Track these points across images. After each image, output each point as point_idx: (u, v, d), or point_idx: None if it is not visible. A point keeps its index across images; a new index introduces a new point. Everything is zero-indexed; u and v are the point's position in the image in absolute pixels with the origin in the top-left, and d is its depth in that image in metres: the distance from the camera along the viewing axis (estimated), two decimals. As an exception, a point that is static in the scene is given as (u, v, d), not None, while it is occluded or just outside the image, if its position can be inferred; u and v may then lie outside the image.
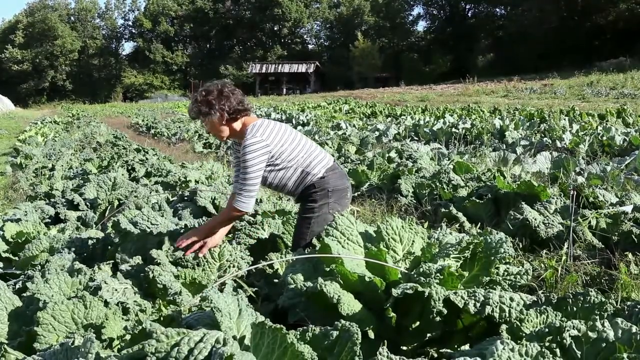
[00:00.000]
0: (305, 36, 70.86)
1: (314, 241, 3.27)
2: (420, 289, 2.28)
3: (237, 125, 3.23)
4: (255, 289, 2.83)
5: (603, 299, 2.11)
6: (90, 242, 3.55)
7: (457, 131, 12.39)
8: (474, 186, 5.51)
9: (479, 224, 4.66)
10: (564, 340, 1.80)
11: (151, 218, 3.73)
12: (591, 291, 2.15)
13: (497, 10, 56.68)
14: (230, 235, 3.86)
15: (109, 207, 5.17)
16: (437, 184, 5.70)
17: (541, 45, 43.12)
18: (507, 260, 2.61)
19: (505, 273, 2.49)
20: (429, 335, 2.44)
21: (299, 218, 3.37)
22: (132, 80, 66.19)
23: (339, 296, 2.31)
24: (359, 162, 8.17)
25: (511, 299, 2.25)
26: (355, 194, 6.46)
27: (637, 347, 1.73)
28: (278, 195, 5.64)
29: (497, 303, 2.23)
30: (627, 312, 2.11)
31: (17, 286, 2.86)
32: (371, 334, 2.33)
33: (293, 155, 3.21)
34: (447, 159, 8.36)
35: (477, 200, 4.90)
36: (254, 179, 3.10)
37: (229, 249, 2.94)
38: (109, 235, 3.64)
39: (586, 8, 42.71)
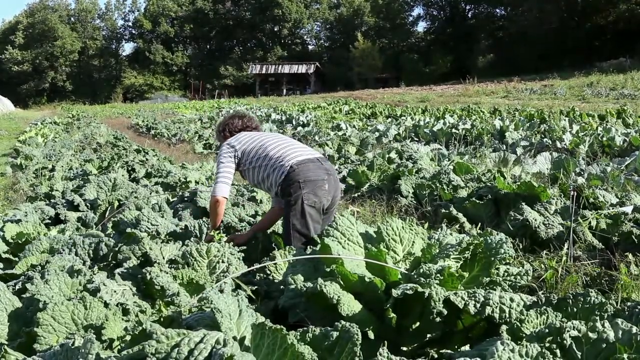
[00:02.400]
0: (305, 37, 70.92)
1: (316, 239, 3.29)
2: (420, 289, 2.28)
3: None
4: (255, 287, 2.83)
5: (603, 300, 2.11)
6: (90, 243, 3.54)
7: (457, 132, 12.37)
8: (474, 187, 5.51)
9: (479, 224, 4.65)
10: (564, 341, 1.80)
11: (151, 219, 3.74)
12: (591, 292, 2.15)
13: (497, 10, 56.67)
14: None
15: (109, 208, 5.17)
16: (438, 184, 5.70)
17: (541, 45, 43.09)
18: (508, 261, 2.61)
19: (506, 274, 2.49)
20: (429, 335, 2.44)
21: (283, 214, 3.57)
22: (132, 81, 66.18)
23: (339, 297, 2.30)
24: (359, 162, 8.17)
25: (511, 300, 2.25)
26: (356, 195, 6.46)
27: (637, 347, 1.73)
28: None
29: (497, 304, 2.23)
30: (627, 313, 2.10)
31: (17, 287, 2.86)
32: (371, 335, 2.32)
33: (257, 150, 3.61)
34: (447, 159, 8.35)
35: (478, 201, 4.90)
36: (220, 169, 3.66)
37: (215, 245, 2.96)
38: (109, 236, 3.64)
39: (586, 8, 42.73)
